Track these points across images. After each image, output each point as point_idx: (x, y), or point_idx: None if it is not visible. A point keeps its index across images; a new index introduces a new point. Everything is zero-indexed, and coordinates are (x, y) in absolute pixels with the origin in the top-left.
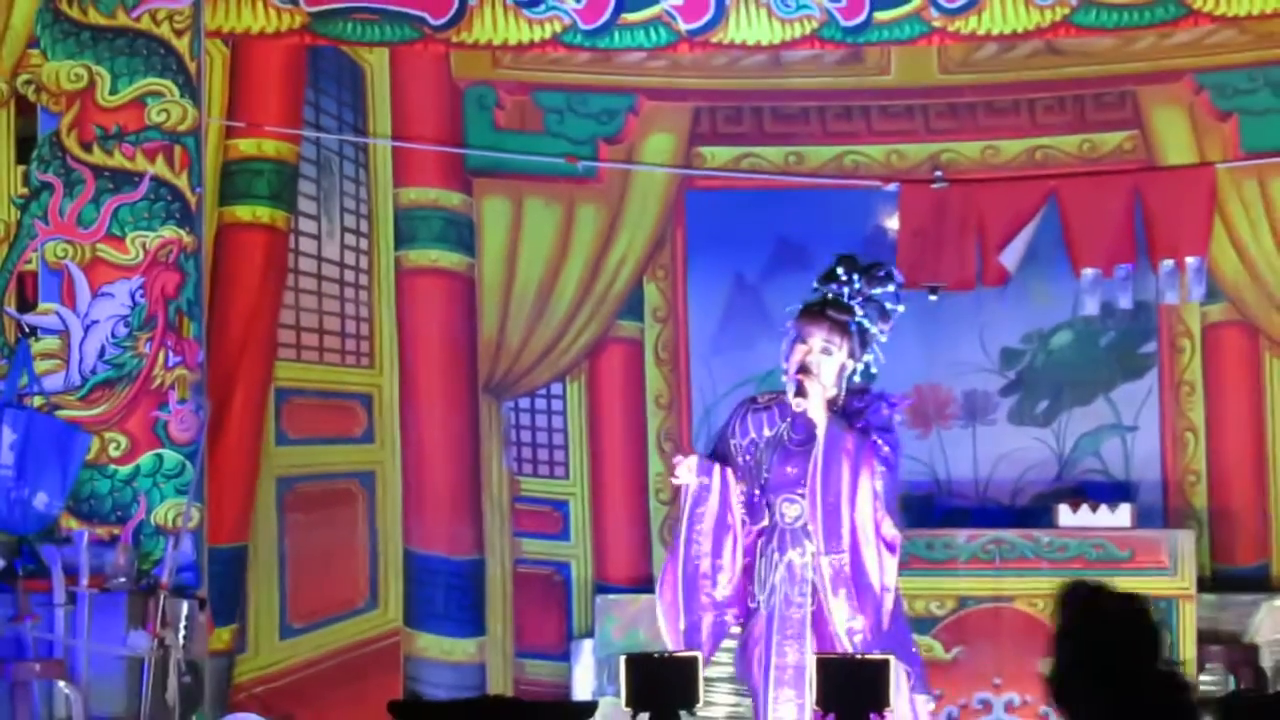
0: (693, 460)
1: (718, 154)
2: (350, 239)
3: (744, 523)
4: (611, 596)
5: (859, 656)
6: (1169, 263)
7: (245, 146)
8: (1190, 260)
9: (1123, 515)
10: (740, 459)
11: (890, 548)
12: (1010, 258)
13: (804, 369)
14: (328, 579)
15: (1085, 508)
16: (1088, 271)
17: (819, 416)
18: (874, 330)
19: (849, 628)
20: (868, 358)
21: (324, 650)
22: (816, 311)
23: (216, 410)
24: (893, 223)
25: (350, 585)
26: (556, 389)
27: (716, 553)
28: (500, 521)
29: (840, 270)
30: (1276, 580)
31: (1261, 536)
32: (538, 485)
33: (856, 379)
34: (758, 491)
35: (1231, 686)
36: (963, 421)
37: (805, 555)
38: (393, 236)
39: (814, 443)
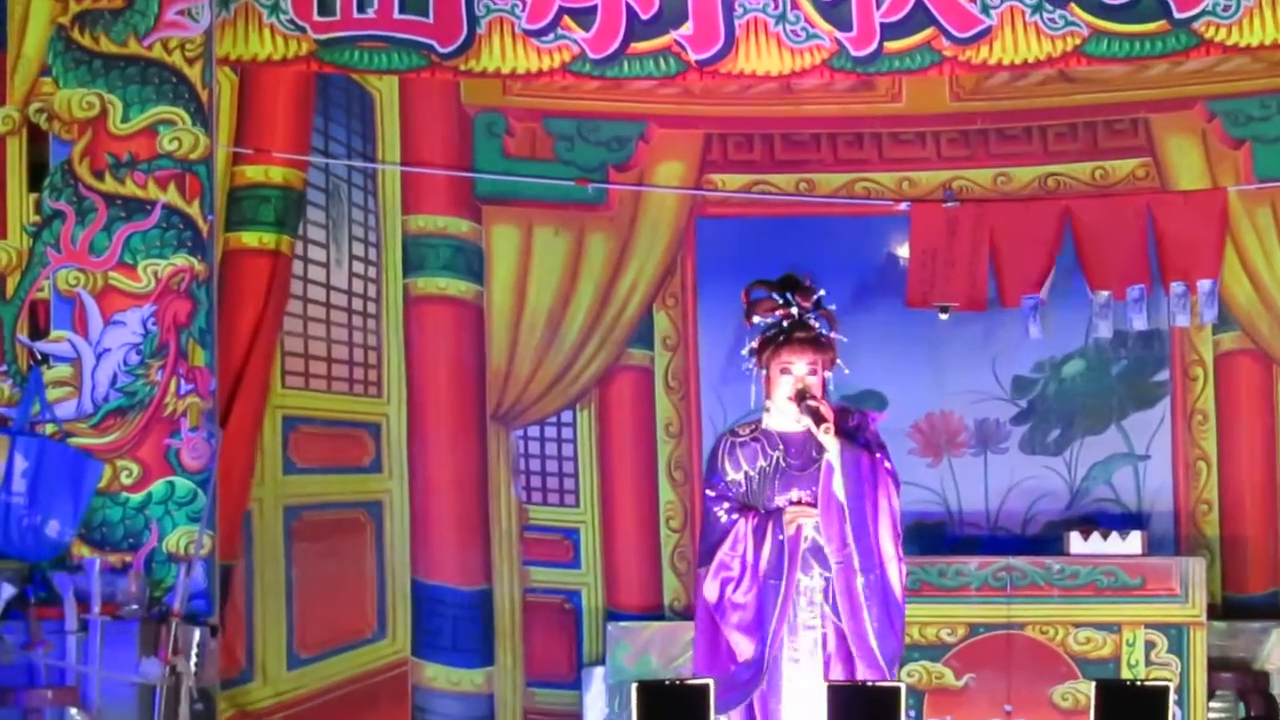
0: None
1: (728, 181)
2: (359, 267)
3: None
4: (623, 624)
5: (870, 683)
6: (1180, 286)
7: (252, 173)
8: (1202, 283)
9: (1134, 543)
10: (734, 492)
11: (900, 560)
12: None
13: (806, 395)
14: (335, 609)
15: (1096, 535)
16: (1100, 294)
17: (830, 441)
18: (835, 335)
19: (880, 643)
20: (837, 362)
21: (332, 680)
22: (784, 340)
23: None
24: (903, 250)
25: (358, 615)
26: (567, 417)
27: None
28: (508, 550)
29: (775, 295)
30: None
31: (1273, 565)
32: (548, 513)
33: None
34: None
35: (1242, 714)
36: (974, 450)
37: (814, 578)
38: (401, 264)
39: (814, 466)
